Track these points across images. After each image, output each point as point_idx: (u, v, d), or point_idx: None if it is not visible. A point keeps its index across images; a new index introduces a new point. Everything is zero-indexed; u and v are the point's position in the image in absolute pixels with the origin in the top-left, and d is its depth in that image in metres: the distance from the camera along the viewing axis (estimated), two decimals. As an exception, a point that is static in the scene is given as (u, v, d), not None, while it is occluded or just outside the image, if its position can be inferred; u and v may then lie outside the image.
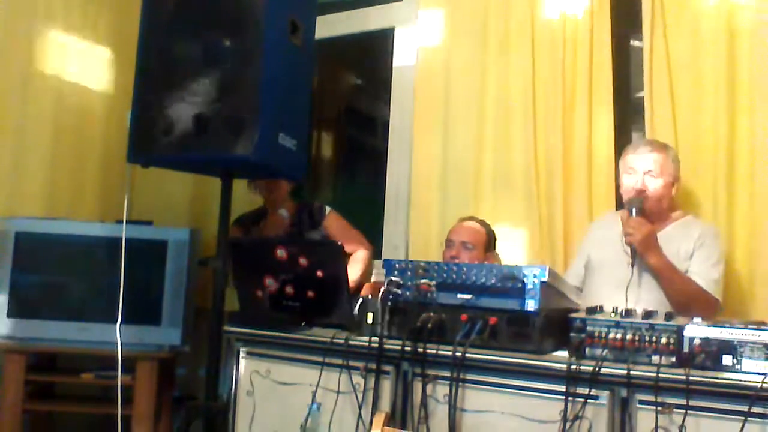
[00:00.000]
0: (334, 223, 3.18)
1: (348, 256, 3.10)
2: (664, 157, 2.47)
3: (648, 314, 1.74)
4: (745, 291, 2.52)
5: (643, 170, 2.47)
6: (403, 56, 3.55)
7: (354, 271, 2.96)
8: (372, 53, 3.98)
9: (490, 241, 2.88)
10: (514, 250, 3.00)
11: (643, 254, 2.37)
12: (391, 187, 3.51)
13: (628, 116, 2.96)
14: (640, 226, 2.37)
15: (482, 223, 2.91)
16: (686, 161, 2.62)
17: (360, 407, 1.90)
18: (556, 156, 2.91)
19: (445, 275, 1.90)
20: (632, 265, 2.36)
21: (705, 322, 1.67)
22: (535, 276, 1.78)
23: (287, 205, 3.22)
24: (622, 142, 2.85)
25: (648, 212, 2.45)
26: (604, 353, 1.66)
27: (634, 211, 2.42)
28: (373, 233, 3.36)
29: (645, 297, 2.31)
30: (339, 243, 2.24)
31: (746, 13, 2.61)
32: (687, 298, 2.32)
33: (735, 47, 2.62)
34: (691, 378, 1.53)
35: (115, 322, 2.47)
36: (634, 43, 2.99)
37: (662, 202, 2.48)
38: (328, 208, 3.22)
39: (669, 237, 2.45)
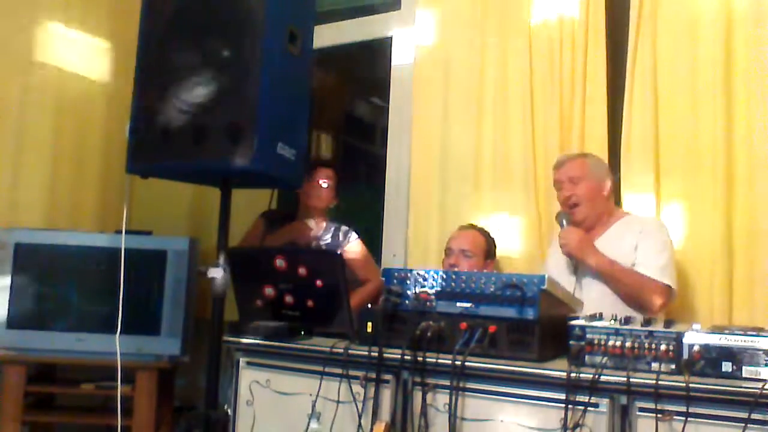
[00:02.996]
0: (355, 251, 3.18)
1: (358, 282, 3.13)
2: (582, 164, 2.59)
3: (647, 321, 1.74)
4: (745, 295, 2.52)
5: (566, 179, 2.58)
6: (400, 60, 3.57)
7: (355, 296, 2.96)
8: (370, 61, 3.99)
9: (489, 248, 2.89)
10: (513, 247, 3.02)
11: (582, 259, 2.46)
12: (390, 191, 3.52)
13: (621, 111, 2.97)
14: (570, 233, 2.50)
15: (482, 231, 2.92)
16: (684, 162, 2.68)
17: (360, 417, 1.90)
18: (554, 152, 2.92)
19: (444, 284, 1.90)
20: (575, 273, 2.50)
21: (704, 328, 1.67)
22: (534, 284, 1.78)
23: (320, 218, 3.22)
24: (615, 136, 2.87)
25: (584, 218, 2.55)
26: (604, 361, 1.66)
27: (564, 222, 2.55)
28: (371, 240, 3.36)
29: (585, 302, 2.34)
30: (338, 252, 2.24)
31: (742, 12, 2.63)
32: (635, 290, 2.38)
33: (732, 46, 2.64)
34: (690, 385, 1.52)
35: (115, 333, 2.47)
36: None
37: (595, 205, 2.57)
38: (354, 235, 3.22)
39: (612, 237, 2.53)
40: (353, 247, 3.19)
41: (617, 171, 2.82)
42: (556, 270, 2.53)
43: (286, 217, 3.27)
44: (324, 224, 3.22)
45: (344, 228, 3.23)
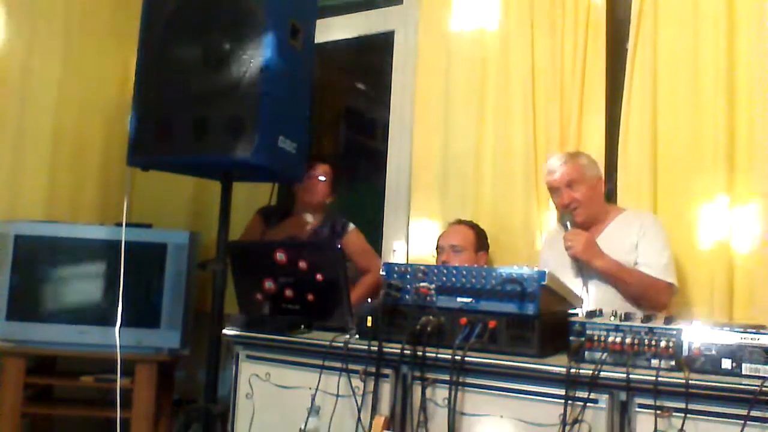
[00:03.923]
0: (353, 241, 3.19)
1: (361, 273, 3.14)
2: (576, 166, 2.58)
3: (647, 318, 1.74)
4: (745, 292, 2.52)
5: (563, 185, 2.57)
6: (403, 55, 3.57)
7: (355, 290, 2.96)
8: (372, 56, 3.99)
9: (479, 241, 2.90)
10: (514, 244, 3.02)
11: (588, 261, 2.47)
12: (391, 187, 3.52)
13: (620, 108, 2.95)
14: (577, 236, 2.49)
15: (470, 224, 2.93)
16: (683, 158, 2.68)
17: (359, 411, 1.90)
18: (555, 149, 2.92)
19: (444, 279, 1.90)
20: (581, 275, 2.49)
21: (704, 325, 1.67)
22: (534, 279, 1.78)
23: (317, 213, 3.23)
24: (614, 134, 2.88)
25: (585, 219, 2.56)
26: (604, 357, 1.66)
27: (568, 224, 2.56)
28: (372, 236, 3.36)
29: (591, 304, 2.36)
30: (339, 246, 2.24)
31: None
32: (640, 291, 2.41)
33: (734, 42, 2.64)
34: (690, 381, 1.52)
35: (115, 325, 2.47)
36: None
37: (593, 205, 2.58)
38: (351, 226, 3.23)
39: (611, 235, 2.55)
40: (351, 237, 3.20)
41: (614, 169, 2.83)
42: (560, 270, 2.52)
43: (282, 213, 3.27)
44: (321, 218, 3.23)
45: (341, 220, 3.24)
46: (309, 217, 3.20)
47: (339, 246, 2.24)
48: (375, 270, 3.14)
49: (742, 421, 1.47)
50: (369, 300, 2.11)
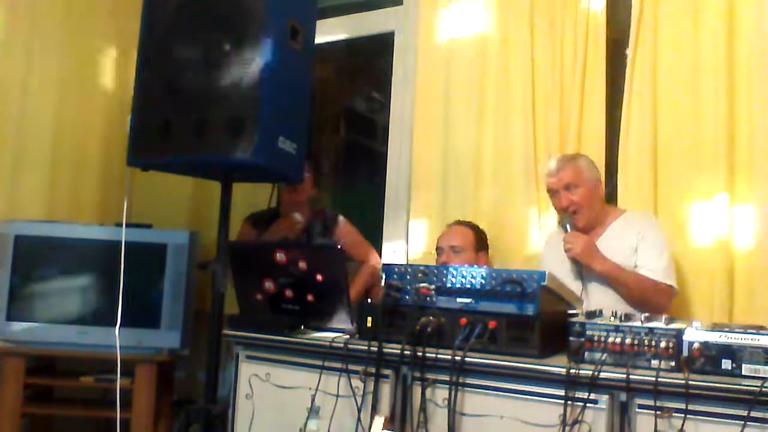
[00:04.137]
0: (345, 233, 3.20)
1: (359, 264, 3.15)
2: (575, 169, 2.58)
3: (647, 318, 1.74)
4: (745, 293, 2.52)
5: (562, 188, 2.58)
6: (403, 56, 3.56)
7: (353, 287, 2.97)
8: (372, 56, 3.99)
9: (479, 241, 2.90)
10: (514, 244, 3.02)
11: (588, 264, 2.47)
12: (391, 188, 3.52)
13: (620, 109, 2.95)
14: (576, 238, 2.49)
15: (469, 224, 2.93)
16: (684, 159, 2.68)
17: (359, 411, 1.90)
18: (555, 149, 2.92)
19: (444, 279, 1.90)
20: (581, 278, 2.49)
21: (704, 326, 1.67)
22: (534, 280, 1.78)
23: (303, 209, 3.23)
24: (614, 135, 2.87)
25: (586, 224, 2.57)
26: (604, 357, 1.66)
27: (567, 227, 2.56)
28: (372, 236, 3.36)
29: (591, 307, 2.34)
30: (339, 247, 2.25)
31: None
32: (641, 293, 2.40)
33: (734, 44, 2.63)
34: (690, 382, 1.52)
35: (115, 326, 2.47)
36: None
37: (593, 207, 2.59)
38: (341, 218, 3.24)
39: (610, 237, 2.55)
40: (342, 230, 3.21)
41: (615, 170, 2.82)
42: (560, 272, 2.52)
43: (270, 216, 3.27)
44: (309, 214, 3.24)
45: (329, 214, 3.26)
46: (298, 216, 3.20)
47: (340, 247, 2.24)
48: (371, 259, 3.16)
49: (742, 422, 1.47)
50: (369, 300, 2.11)
